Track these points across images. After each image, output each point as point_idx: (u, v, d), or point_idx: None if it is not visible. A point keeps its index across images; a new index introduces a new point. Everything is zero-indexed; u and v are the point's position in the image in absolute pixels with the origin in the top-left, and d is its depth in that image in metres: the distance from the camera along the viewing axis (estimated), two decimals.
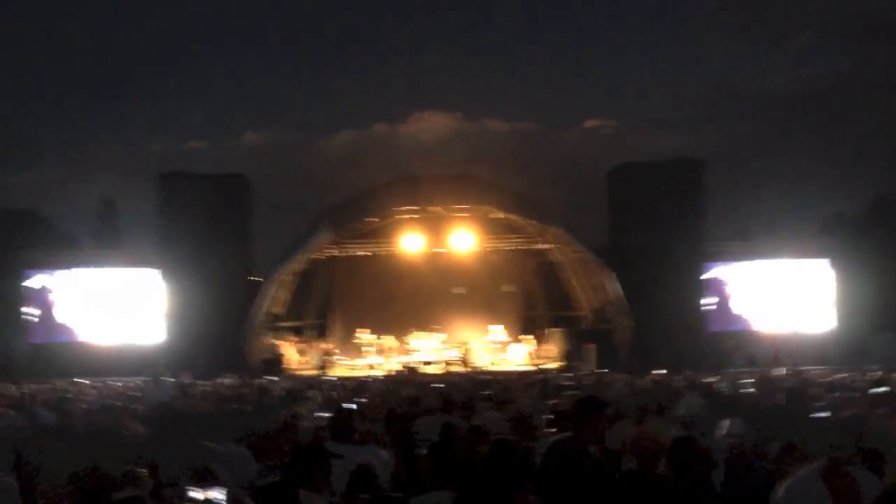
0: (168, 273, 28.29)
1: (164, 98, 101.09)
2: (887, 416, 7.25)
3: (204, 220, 27.67)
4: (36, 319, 29.48)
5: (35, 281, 29.71)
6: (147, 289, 29.30)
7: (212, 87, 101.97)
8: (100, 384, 19.06)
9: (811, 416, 7.47)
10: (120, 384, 18.79)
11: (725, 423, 6.51)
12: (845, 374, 16.88)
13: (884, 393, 10.02)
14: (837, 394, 11.78)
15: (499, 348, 30.80)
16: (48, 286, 29.77)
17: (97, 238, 44.09)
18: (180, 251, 27.70)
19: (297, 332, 33.30)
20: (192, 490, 3.29)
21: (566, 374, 22.95)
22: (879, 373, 16.81)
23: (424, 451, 6.86)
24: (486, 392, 12.60)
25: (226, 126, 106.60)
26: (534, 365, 28.51)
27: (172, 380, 14.87)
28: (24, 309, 29.37)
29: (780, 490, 4.01)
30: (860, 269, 30.72)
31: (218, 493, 3.29)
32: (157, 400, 10.98)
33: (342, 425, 6.27)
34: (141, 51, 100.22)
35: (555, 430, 6.99)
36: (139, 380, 19.34)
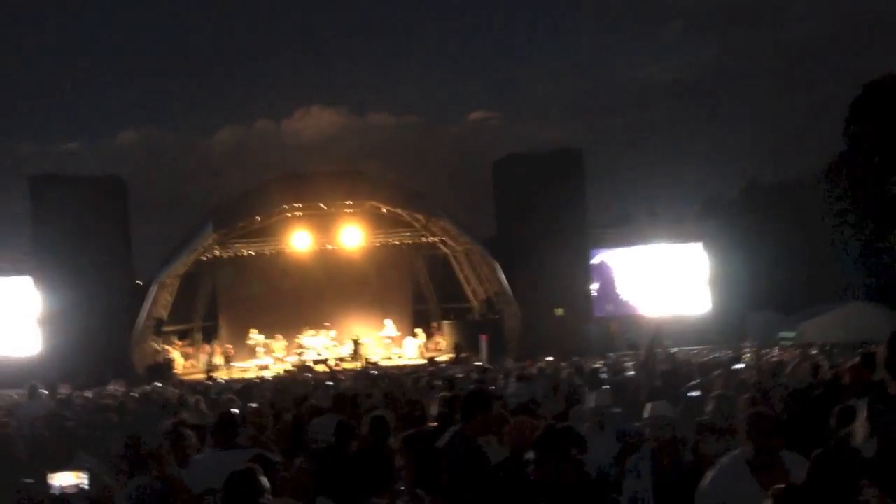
0: (42, 280, 27.10)
1: (34, 98, 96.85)
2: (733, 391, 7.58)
3: (79, 224, 26.65)
4: None
5: None
6: (20, 297, 28.04)
7: (85, 86, 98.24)
8: None
9: (687, 395, 7.77)
10: None
11: (592, 395, 6.66)
12: (718, 354, 17.65)
13: (741, 369, 10.53)
14: (717, 373, 12.31)
15: (391, 343, 30.86)
16: None
17: None
18: (54, 257, 26.58)
19: (184, 335, 32.54)
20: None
21: (457, 367, 23.16)
22: (748, 351, 17.64)
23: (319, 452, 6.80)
24: (374, 389, 12.64)
25: (100, 126, 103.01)
26: (426, 358, 28.66)
27: (47, 392, 14.23)
28: None
29: (708, 478, 3.99)
30: (734, 251, 32.09)
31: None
32: (32, 414, 10.52)
33: (224, 429, 6.16)
34: (9, 50, 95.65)
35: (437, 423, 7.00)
36: (13, 393, 18.48)
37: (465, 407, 5.78)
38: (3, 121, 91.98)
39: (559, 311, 28.83)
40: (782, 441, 4.02)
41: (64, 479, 3.14)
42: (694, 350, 22.55)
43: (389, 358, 29.57)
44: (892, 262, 33.40)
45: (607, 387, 6.97)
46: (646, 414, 5.51)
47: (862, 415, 3.39)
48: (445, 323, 33.08)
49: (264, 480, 3.99)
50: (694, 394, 7.55)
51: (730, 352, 18.29)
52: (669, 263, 32.18)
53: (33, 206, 27.36)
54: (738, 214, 40.32)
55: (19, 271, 28.12)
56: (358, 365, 27.16)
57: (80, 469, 3.16)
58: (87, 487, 3.18)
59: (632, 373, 11.22)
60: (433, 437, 5.68)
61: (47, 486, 3.10)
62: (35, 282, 27.36)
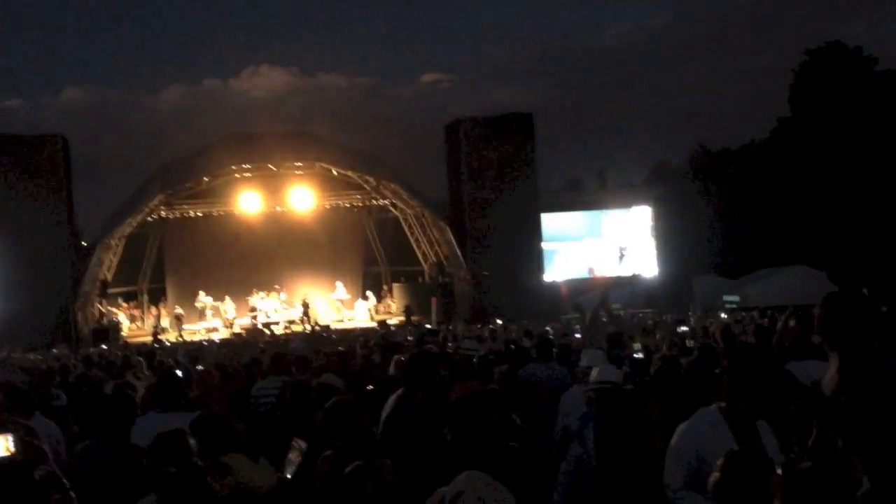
0: None
1: None
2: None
3: (21, 184, 26.07)
4: None
5: None
6: None
7: (27, 41, 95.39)
8: None
9: (630, 357, 7.89)
10: None
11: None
12: (664, 317, 17.95)
13: (684, 332, 10.70)
14: (660, 335, 12.54)
15: (342, 305, 30.79)
16: None
17: None
18: None
19: (131, 297, 32.11)
20: None
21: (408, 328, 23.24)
22: (691, 315, 17.96)
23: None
24: (325, 349, 12.58)
25: (43, 83, 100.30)
26: (376, 321, 28.68)
27: None
28: None
29: (682, 431, 3.98)
30: (682, 215, 32.52)
31: None
32: None
33: (166, 391, 6.07)
34: None
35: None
36: None
37: (408, 370, 5.77)
38: None
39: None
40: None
41: None
42: (640, 313, 22.90)
43: (341, 321, 29.52)
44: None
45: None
46: (592, 377, 5.57)
47: (832, 368, 3.43)
48: (396, 286, 33.11)
49: (193, 441, 3.95)
50: (638, 355, 7.66)
51: (675, 315, 18.60)
52: (618, 227, 32.55)
53: None
54: (686, 180, 40.82)
55: None
56: (307, 328, 27.10)
57: (4, 433, 3.06)
58: (12, 451, 3.09)
59: (578, 336, 11.35)
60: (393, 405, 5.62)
61: None
62: None
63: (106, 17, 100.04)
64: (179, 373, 7.28)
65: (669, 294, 30.14)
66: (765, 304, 22.12)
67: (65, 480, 3.96)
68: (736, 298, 27.62)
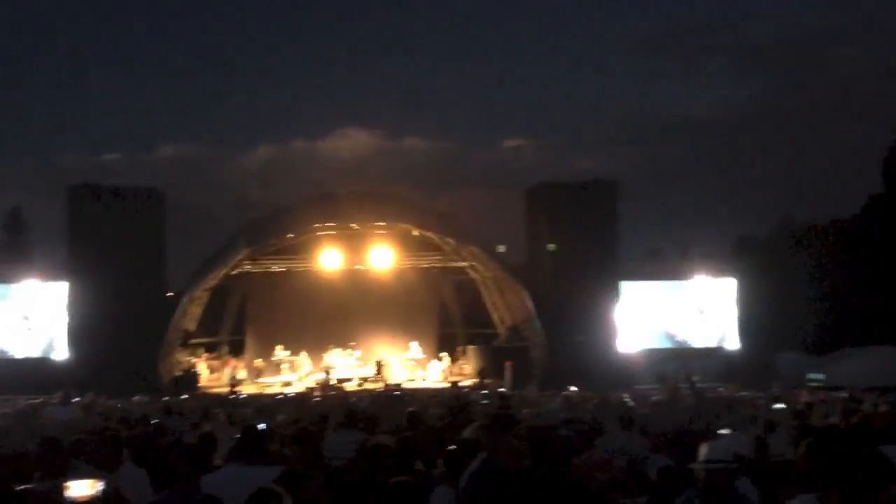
0: (77, 287, 27.42)
1: (77, 109, 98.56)
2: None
3: (115, 234, 26.98)
4: None
5: None
6: (56, 303, 28.39)
7: (127, 98, 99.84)
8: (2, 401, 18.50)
9: (717, 433, 7.69)
10: (23, 402, 18.25)
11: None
12: (746, 393, 17.45)
13: (781, 410, 10.35)
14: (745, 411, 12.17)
15: (415, 365, 30.83)
16: None
17: (5, 251, 42.79)
18: (90, 265, 26.90)
19: (211, 349, 32.74)
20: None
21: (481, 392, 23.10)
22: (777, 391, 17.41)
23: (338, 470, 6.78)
24: (402, 408, 12.60)
25: (141, 139, 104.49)
26: (449, 382, 28.60)
27: (77, 399, 14.41)
28: None
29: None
30: (766, 289, 31.74)
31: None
32: (59, 419, 10.65)
33: (250, 445, 6.18)
34: (54, 61, 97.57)
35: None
36: (44, 398, 18.75)
37: (488, 429, 5.77)
38: (45, 130, 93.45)
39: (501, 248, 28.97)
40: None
41: (79, 489, 3.16)
42: (720, 388, 22.34)
43: (413, 380, 29.55)
44: None
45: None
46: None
47: None
48: (470, 348, 33.00)
49: (288, 501, 4.00)
50: (724, 431, 7.46)
51: (758, 392, 18.05)
52: (700, 299, 31.93)
53: (71, 215, 27.76)
54: (771, 252, 39.91)
55: (56, 277, 28.48)
56: (381, 386, 27.19)
57: (98, 478, 3.17)
58: (99, 496, 3.20)
59: (657, 404, 11.13)
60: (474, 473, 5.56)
61: (61, 494, 3.13)
62: (71, 288, 27.68)
63: (203, 78, 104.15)
64: (262, 426, 7.38)
65: (751, 369, 29.29)
66: (851, 385, 21.35)
67: None
68: (821, 377, 26.70)
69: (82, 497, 3.18)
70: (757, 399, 15.08)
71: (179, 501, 4.80)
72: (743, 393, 18.28)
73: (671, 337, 31.69)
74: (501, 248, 29.82)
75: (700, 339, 31.52)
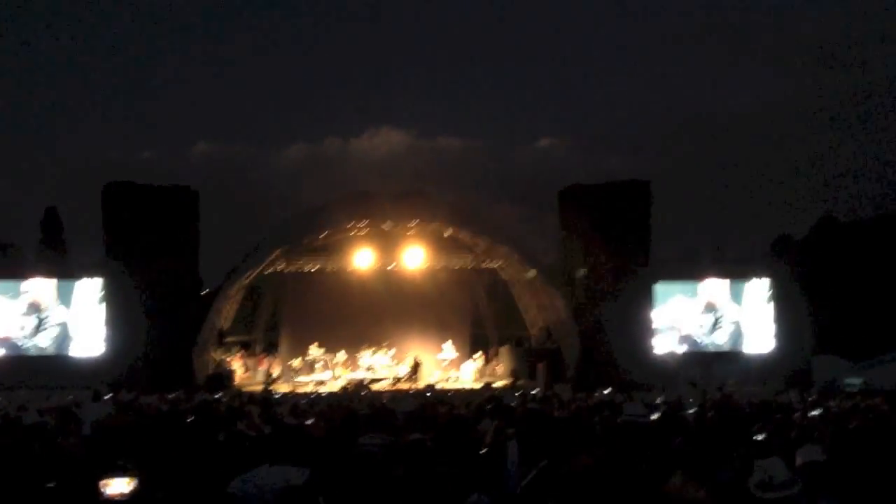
0: (112, 284, 27.71)
1: (113, 106, 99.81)
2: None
3: (150, 232, 27.26)
4: None
5: None
6: (91, 300, 28.70)
7: (162, 97, 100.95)
8: (39, 397, 18.73)
9: (753, 438, 7.58)
10: (55, 399, 18.47)
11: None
12: (783, 395, 17.18)
13: (820, 415, 10.16)
14: (779, 416, 11.98)
15: (449, 365, 30.86)
16: None
17: (41, 248, 43.38)
18: (125, 262, 27.21)
19: (245, 347, 33.00)
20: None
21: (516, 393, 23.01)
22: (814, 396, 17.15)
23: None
24: (436, 408, 12.57)
25: (176, 137, 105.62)
26: (482, 382, 28.59)
27: (111, 396, 14.55)
28: None
29: None
30: (802, 291, 31.30)
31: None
32: (94, 416, 10.75)
33: (282, 443, 6.20)
34: (91, 61, 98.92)
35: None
36: (78, 394, 18.96)
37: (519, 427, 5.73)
38: (81, 127, 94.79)
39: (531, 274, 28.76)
40: None
41: (115, 486, 3.18)
42: (754, 390, 22.04)
43: (447, 380, 29.60)
44: None
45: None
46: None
47: None
48: (503, 349, 32.98)
49: (321, 501, 4.00)
50: (759, 437, 7.36)
51: (794, 394, 17.79)
52: (734, 300, 31.56)
53: (106, 213, 28.05)
54: (809, 253, 39.43)
55: (91, 274, 28.79)
56: (414, 385, 27.25)
57: (132, 476, 3.18)
58: (133, 494, 3.22)
59: (692, 410, 11.01)
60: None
61: (98, 492, 3.15)
62: (105, 285, 27.97)
63: (237, 77, 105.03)
64: (293, 423, 7.40)
65: (786, 372, 28.90)
66: (890, 389, 21.03)
67: None
68: (858, 381, 26.32)
69: (120, 494, 3.19)
70: (792, 404, 14.84)
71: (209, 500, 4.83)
72: (777, 397, 18.04)
73: (705, 339, 31.35)
74: (531, 274, 29.64)
75: (734, 341, 31.14)
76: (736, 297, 31.58)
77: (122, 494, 3.19)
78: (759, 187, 75.44)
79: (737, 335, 31.19)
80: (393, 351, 30.50)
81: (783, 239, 47.56)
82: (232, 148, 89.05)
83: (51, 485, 6.12)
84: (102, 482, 3.17)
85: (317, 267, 31.51)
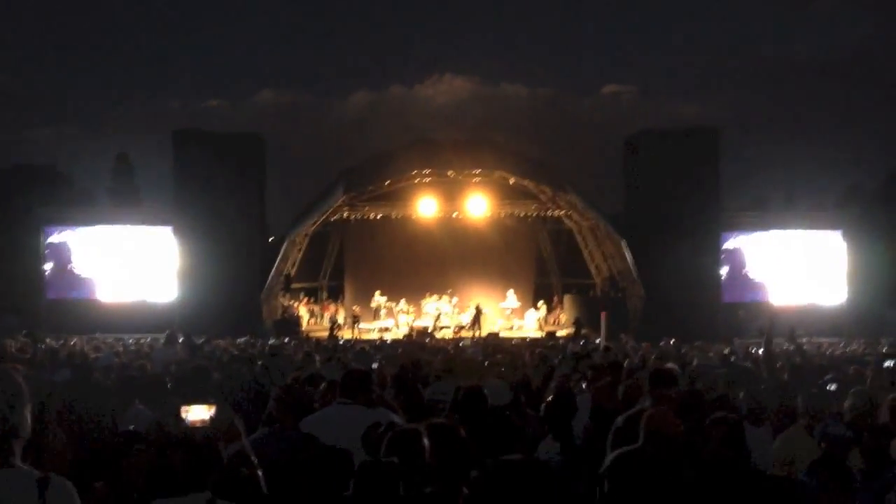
0: (181, 231, 28.26)
1: (180, 56, 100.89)
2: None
3: (218, 179, 27.52)
4: (49, 273, 29.74)
5: (54, 237, 29.90)
6: (162, 246, 29.33)
7: (228, 45, 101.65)
8: (113, 341, 19.35)
9: (825, 389, 7.42)
10: (132, 342, 19.05)
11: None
12: (856, 347, 16.84)
13: (891, 368, 9.88)
14: (852, 367, 11.70)
15: (512, 314, 30.90)
16: (67, 242, 29.96)
17: (114, 195, 44.47)
18: (194, 210, 27.64)
19: (311, 293, 33.48)
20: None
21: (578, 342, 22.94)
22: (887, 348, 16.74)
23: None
24: (496, 357, 12.63)
25: (241, 85, 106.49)
26: (545, 331, 28.59)
27: (182, 339, 14.94)
28: (45, 266, 29.71)
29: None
30: (875, 242, 30.48)
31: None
32: (167, 359, 11.07)
33: (354, 386, 6.25)
34: (159, 10, 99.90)
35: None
36: (150, 338, 19.52)
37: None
38: (150, 77, 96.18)
39: None
40: None
41: (195, 412, 3.29)
42: (825, 342, 21.64)
43: (511, 328, 29.66)
44: None
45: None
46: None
47: None
48: (567, 297, 32.87)
49: (425, 441, 4.04)
50: (832, 387, 7.22)
51: (866, 348, 17.41)
52: (805, 251, 30.89)
53: (176, 160, 28.44)
54: (881, 204, 38.24)
55: (161, 221, 29.38)
56: (476, 333, 27.35)
57: (210, 403, 3.28)
58: (214, 419, 3.33)
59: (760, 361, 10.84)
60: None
61: (179, 420, 3.26)
62: (175, 232, 28.54)
63: (302, 25, 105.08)
64: (365, 368, 7.48)
65: (856, 325, 28.28)
66: None
67: (254, 458, 4.21)
68: None
69: (200, 421, 3.30)
70: (865, 356, 14.53)
71: (278, 439, 4.93)
72: (850, 349, 17.70)
73: (774, 290, 30.81)
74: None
75: (805, 292, 30.55)
76: (807, 247, 30.92)
77: (203, 421, 3.28)
78: (831, 136, 73.16)
79: (808, 286, 30.59)
80: (456, 299, 30.63)
81: (855, 189, 46.22)
82: (297, 96, 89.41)
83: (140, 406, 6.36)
84: (183, 408, 3.27)
85: (381, 214, 31.69)
